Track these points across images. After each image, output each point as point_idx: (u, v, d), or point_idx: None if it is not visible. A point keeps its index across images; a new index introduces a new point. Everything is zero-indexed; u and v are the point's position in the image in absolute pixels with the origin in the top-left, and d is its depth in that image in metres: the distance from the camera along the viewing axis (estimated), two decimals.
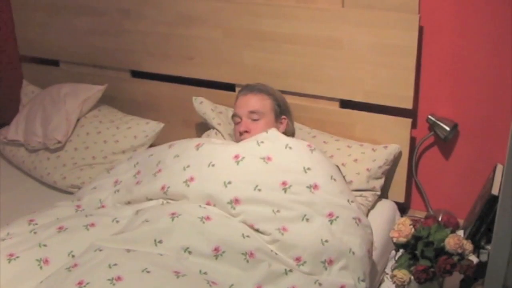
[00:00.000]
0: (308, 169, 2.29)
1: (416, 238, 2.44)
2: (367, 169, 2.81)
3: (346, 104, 3.05)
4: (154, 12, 3.38)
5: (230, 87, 3.30)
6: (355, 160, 2.85)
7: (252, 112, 2.76)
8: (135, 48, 3.51)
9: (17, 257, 2.05)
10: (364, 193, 2.79)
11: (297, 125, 3.08)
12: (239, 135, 2.76)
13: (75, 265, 1.97)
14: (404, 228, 2.45)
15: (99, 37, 3.65)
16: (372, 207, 2.87)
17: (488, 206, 2.56)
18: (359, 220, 2.24)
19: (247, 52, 3.15)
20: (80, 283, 1.87)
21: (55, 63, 3.98)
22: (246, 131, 2.73)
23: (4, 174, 3.45)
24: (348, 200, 2.25)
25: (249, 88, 2.86)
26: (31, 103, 3.62)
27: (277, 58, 3.09)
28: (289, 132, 2.90)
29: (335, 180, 2.30)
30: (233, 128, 2.92)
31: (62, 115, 3.34)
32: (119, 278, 1.86)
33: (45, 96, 3.55)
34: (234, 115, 2.85)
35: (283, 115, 2.87)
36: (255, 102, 2.78)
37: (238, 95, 2.88)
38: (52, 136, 3.28)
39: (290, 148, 2.37)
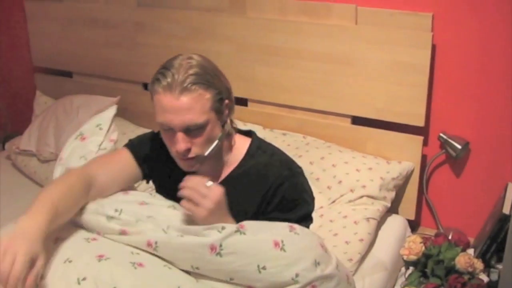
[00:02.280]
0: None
1: (426, 256, 2.43)
2: (381, 178, 2.81)
3: (357, 120, 3.05)
4: (167, 26, 3.40)
5: (241, 101, 3.30)
6: (370, 169, 2.85)
7: (190, 126, 1.89)
8: (148, 61, 3.52)
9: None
10: (375, 201, 2.77)
11: (310, 138, 3.09)
12: (175, 153, 1.95)
13: (94, 239, 1.92)
14: (415, 246, 2.45)
15: (112, 50, 3.67)
16: (383, 222, 2.86)
17: (499, 225, 2.55)
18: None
19: (259, 67, 3.16)
20: (100, 256, 1.81)
21: (68, 74, 4.01)
22: (188, 150, 1.92)
23: (16, 184, 3.48)
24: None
25: (177, 82, 1.84)
26: (44, 113, 3.64)
27: (289, 74, 3.10)
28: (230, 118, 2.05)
29: (284, 250, 1.86)
30: None
31: (75, 126, 3.35)
32: (141, 265, 1.83)
33: (58, 107, 3.57)
34: (161, 123, 1.94)
35: (226, 98, 1.97)
36: (191, 110, 1.86)
37: (161, 86, 1.88)
38: (64, 147, 3.29)
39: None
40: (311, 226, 2.06)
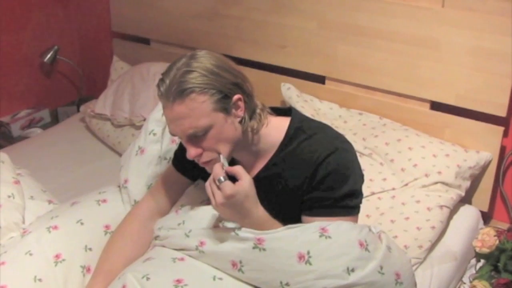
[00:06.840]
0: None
1: (500, 250, 2.37)
2: (458, 165, 2.75)
3: (436, 106, 2.98)
4: None
5: (319, 78, 3.27)
6: (447, 155, 2.79)
7: (191, 133, 1.82)
8: (228, 32, 3.52)
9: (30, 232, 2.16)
10: (449, 189, 2.71)
11: (387, 120, 3.05)
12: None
13: (182, 259, 1.96)
14: (488, 239, 2.39)
15: (192, 19, 3.67)
16: (455, 211, 2.80)
17: None
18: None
19: (340, 45, 3.11)
20: (178, 281, 1.85)
21: (146, 41, 4.04)
22: (199, 155, 1.87)
23: (88, 147, 3.55)
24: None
25: (170, 91, 1.79)
26: (120, 79, 3.68)
27: (371, 54, 3.05)
28: (250, 111, 1.92)
29: (310, 263, 1.82)
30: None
31: (150, 93, 3.38)
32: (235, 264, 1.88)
33: (134, 73, 3.60)
34: (170, 132, 1.92)
35: (234, 94, 1.85)
36: (188, 118, 1.79)
37: (159, 95, 1.84)
38: (138, 113, 3.33)
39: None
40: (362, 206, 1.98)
